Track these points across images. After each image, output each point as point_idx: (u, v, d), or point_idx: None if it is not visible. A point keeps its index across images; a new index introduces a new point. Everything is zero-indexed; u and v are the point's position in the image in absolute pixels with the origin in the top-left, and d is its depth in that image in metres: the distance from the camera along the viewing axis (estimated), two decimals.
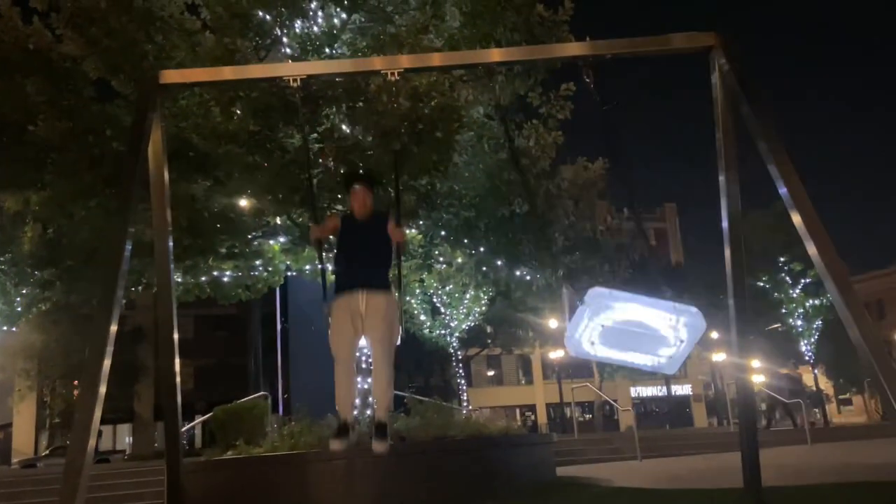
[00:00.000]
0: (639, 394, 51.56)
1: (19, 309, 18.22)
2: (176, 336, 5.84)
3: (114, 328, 4.48)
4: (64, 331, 27.34)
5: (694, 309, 5.85)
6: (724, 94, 5.74)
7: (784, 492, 6.72)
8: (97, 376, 4.18)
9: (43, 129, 10.63)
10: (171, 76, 5.70)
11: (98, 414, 4.10)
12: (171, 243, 5.83)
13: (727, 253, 6.08)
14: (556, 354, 40.23)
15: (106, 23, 10.38)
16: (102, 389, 4.22)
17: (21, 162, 11.18)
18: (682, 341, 5.63)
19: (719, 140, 5.92)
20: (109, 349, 4.40)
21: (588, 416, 49.76)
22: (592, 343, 5.63)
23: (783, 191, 4.94)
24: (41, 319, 22.30)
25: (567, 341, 5.75)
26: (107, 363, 4.31)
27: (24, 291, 17.47)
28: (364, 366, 11.58)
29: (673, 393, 49.70)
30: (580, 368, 45.54)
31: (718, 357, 32.59)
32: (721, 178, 6.02)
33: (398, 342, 5.25)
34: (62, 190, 11.38)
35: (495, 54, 5.86)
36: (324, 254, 6.04)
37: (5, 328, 19.17)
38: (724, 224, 6.06)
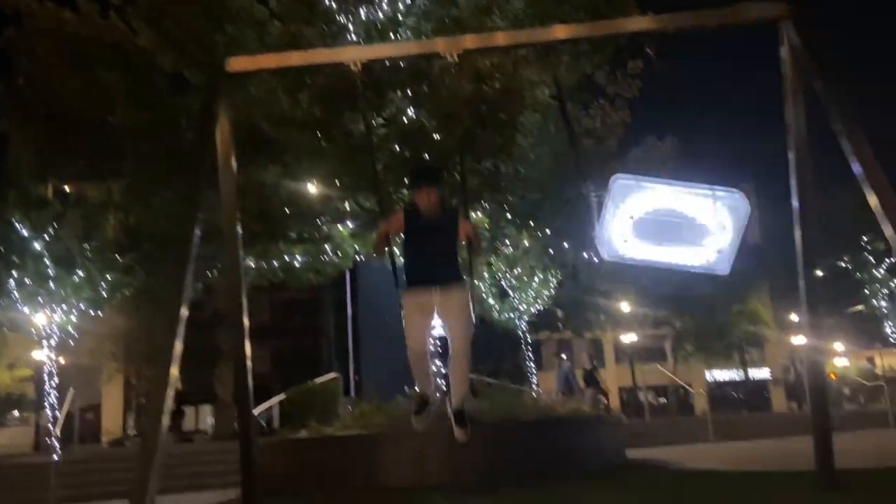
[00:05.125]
0: (714, 378, 50.40)
1: (105, 294, 19.01)
2: (246, 320, 6.01)
3: (184, 311, 4.63)
4: (146, 315, 28.35)
5: (736, 192, 5.04)
6: (793, 68, 5.53)
7: (857, 474, 6.52)
8: (169, 357, 4.35)
9: (121, 119, 11.06)
10: (236, 63, 5.83)
11: (170, 392, 4.26)
12: (239, 229, 5.98)
13: (797, 233, 5.88)
14: (628, 338, 39.70)
15: (178, 15, 10.69)
16: (175, 370, 4.38)
17: (101, 154, 11.66)
18: (724, 228, 4.85)
19: (789, 116, 5.72)
20: (181, 331, 4.56)
21: (662, 401, 48.96)
22: (625, 240, 4.87)
23: (857, 170, 4.75)
24: (125, 304, 23.17)
25: (599, 244, 5.04)
26: (178, 345, 4.47)
27: (108, 277, 18.23)
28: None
29: (751, 377, 48.40)
30: (653, 353, 44.82)
31: (797, 340, 31.60)
32: (791, 156, 5.82)
33: (473, 331, 5.18)
34: (140, 179, 11.81)
35: (559, 31, 5.78)
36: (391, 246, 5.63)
37: (92, 312, 20.03)
38: (794, 203, 5.85)
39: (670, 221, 4.77)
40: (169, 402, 4.19)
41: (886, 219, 4.51)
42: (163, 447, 4.02)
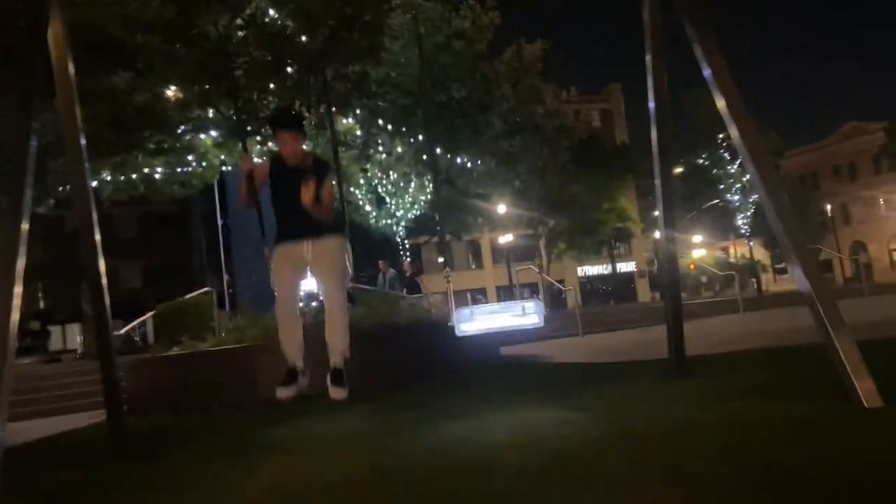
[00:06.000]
0: (585, 273, 52.87)
1: None
2: (98, 235, 5.70)
3: (25, 226, 4.36)
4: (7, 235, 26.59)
5: (534, 299, 8.39)
6: None
7: (704, 359, 7.07)
8: (11, 277, 4.09)
9: None
10: None
11: (16, 314, 4.04)
12: (83, 139, 5.58)
13: (653, 133, 6.09)
14: (504, 239, 40.80)
15: None
16: (18, 289, 4.14)
17: None
18: (534, 314, 9.23)
19: (646, 19, 5.81)
20: (22, 249, 4.30)
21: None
22: (468, 331, 9.01)
23: (707, 72, 4.90)
24: None
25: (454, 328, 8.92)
26: (20, 263, 4.22)
27: None
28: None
29: (618, 270, 51.11)
30: (528, 252, 46.39)
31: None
32: (647, 58, 5.95)
33: (349, 284, 4.97)
34: None
35: None
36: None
37: None
38: (651, 104, 6.04)
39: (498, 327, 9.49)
40: (13, 325, 3.96)
41: (733, 122, 4.73)
42: (8, 373, 3.81)
